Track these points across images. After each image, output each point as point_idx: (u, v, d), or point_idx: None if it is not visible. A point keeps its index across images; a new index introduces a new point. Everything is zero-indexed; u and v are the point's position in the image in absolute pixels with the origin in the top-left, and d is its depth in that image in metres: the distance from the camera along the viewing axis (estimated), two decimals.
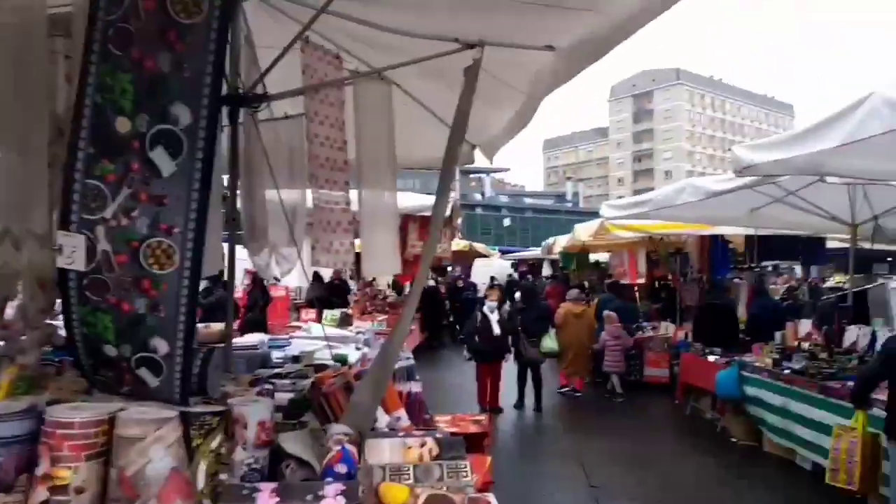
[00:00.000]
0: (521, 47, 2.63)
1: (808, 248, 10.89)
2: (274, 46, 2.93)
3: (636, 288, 13.22)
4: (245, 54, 3.10)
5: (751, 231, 9.58)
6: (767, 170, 4.46)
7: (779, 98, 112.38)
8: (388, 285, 17.09)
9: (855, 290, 8.20)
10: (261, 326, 6.75)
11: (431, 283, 16.39)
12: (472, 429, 5.57)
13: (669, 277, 12.56)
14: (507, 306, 9.88)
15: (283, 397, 2.75)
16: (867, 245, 8.25)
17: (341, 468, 1.97)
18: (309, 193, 3.17)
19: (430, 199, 11.53)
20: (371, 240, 3.58)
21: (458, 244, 19.33)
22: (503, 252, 33.34)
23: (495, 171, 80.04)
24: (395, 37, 2.79)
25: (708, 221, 8.97)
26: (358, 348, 5.06)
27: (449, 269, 26.61)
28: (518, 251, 33.39)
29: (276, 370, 3.52)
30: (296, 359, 4.08)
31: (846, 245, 8.44)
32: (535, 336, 8.55)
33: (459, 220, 12.27)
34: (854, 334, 6.98)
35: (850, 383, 5.26)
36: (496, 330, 8.41)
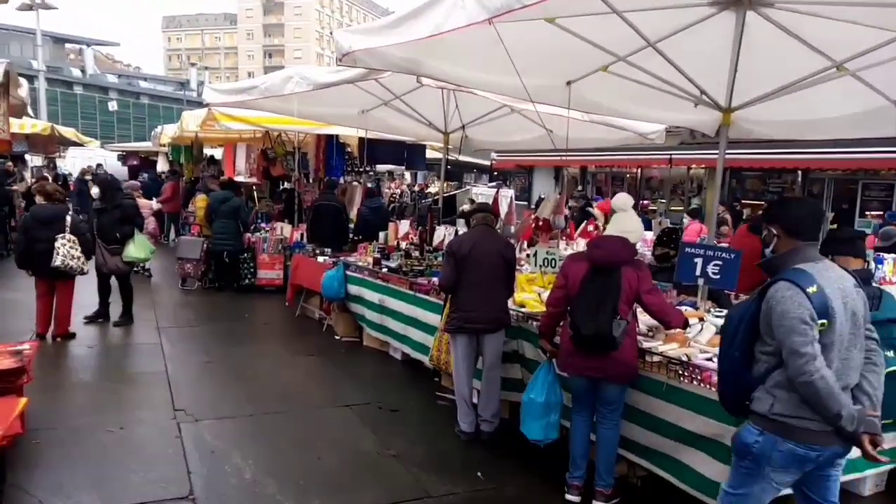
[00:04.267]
0: None
1: (411, 155, 11.75)
2: None
3: (255, 187, 12.51)
4: None
5: (362, 133, 9.73)
6: (365, 61, 4.16)
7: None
8: None
9: (446, 194, 9.10)
10: None
11: None
12: (6, 364, 4.25)
13: (292, 177, 12.16)
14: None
15: None
16: (456, 155, 9.14)
17: None
18: None
19: None
20: None
21: (35, 125, 15.38)
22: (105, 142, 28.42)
23: (100, 43, 66.70)
24: None
25: (322, 119, 8.70)
26: None
27: (28, 157, 21.40)
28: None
29: None
30: None
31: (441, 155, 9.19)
32: (117, 242, 7.10)
33: (23, 92, 9.37)
34: (442, 233, 7.72)
35: (435, 280, 5.67)
36: None
